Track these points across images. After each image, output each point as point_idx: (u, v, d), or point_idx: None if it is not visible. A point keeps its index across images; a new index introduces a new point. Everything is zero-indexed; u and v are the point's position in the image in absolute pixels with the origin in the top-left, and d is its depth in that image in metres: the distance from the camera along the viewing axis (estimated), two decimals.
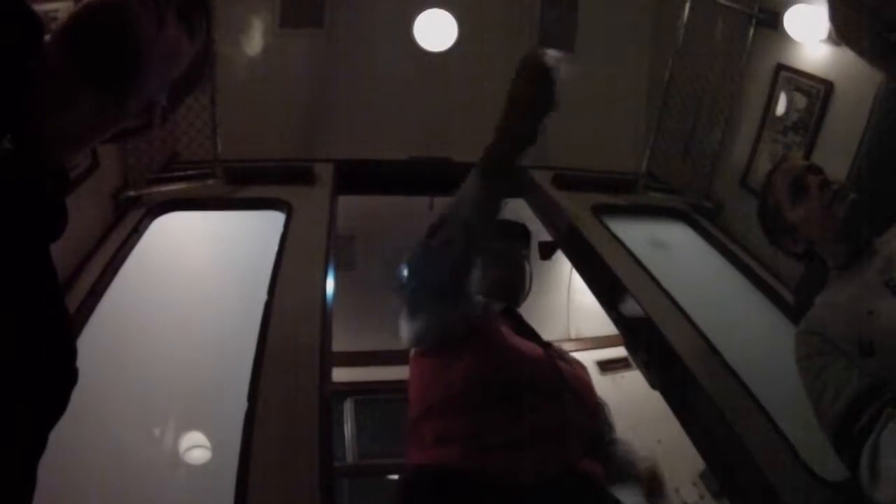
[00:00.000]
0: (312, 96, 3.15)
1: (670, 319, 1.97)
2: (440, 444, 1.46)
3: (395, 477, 3.29)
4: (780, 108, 2.46)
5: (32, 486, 0.65)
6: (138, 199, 2.27)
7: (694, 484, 2.71)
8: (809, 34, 2.28)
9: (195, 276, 2.04)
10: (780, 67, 2.47)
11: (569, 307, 3.88)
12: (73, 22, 0.73)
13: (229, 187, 2.46)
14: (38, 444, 0.67)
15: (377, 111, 3.14)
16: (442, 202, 3.19)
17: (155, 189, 2.32)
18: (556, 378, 1.58)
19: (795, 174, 1.50)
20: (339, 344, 1.85)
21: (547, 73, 1.42)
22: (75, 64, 0.72)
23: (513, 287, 1.86)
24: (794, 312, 1.95)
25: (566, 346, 2.89)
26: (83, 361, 0.74)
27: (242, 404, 1.47)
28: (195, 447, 1.48)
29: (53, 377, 0.70)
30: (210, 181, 2.43)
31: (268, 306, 1.80)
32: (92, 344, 1.57)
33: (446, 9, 2.96)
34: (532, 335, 1.72)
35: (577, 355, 1.99)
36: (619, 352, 3.31)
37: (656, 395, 1.92)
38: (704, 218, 2.75)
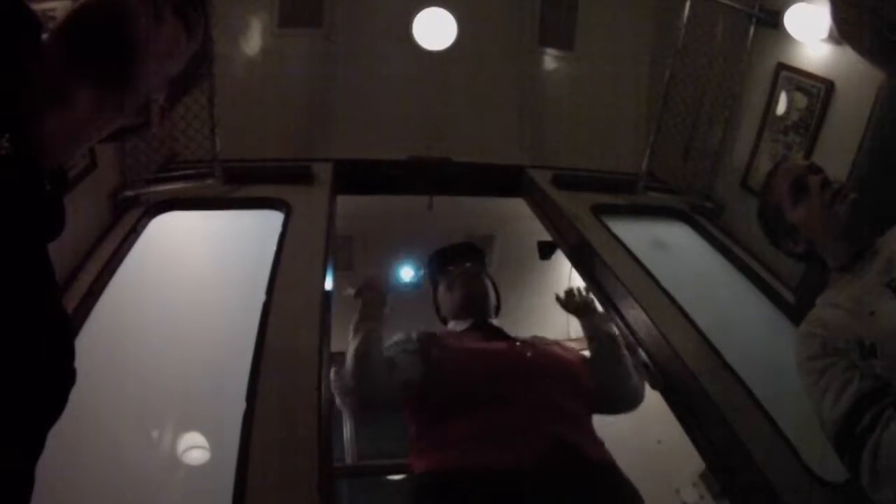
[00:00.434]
0: (311, 96, 3.15)
1: (670, 319, 1.96)
2: (438, 450, 1.61)
3: (395, 478, 3.29)
4: (781, 107, 2.46)
5: (31, 487, 0.65)
6: (136, 199, 2.26)
7: (694, 485, 2.71)
8: (810, 33, 2.28)
9: (193, 276, 2.03)
10: (781, 67, 2.47)
11: None
12: (71, 20, 0.73)
13: (228, 187, 2.45)
14: (37, 445, 0.66)
15: (376, 111, 3.14)
16: (441, 202, 3.21)
17: (153, 189, 2.31)
18: (524, 368, 1.75)
19: (796, 174, 1.49)
20: (339, 344, 1.85)
21: None
22: (73, 62, 0.72)
23: (477, 302, 2.06)
24: (794, 313, 1.95)
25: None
26: (81, 361, 0.73)
27: (241, 405, 1.47)
28: (193, 448, 1.47)
29: (52, 377, 0.69)
30: (208, 181, 2.43)
31: (266, 306, 1.80)
32: (90, 344, 1.57)
33: (446, 8, 2.96)
34: (503, 337, 1.94)
35: None
36: None
37: (656, 395, 1.91)
38: (704, 218, 2.75)
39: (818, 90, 2.26)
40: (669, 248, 2.52)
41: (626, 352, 1.95)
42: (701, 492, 2.69)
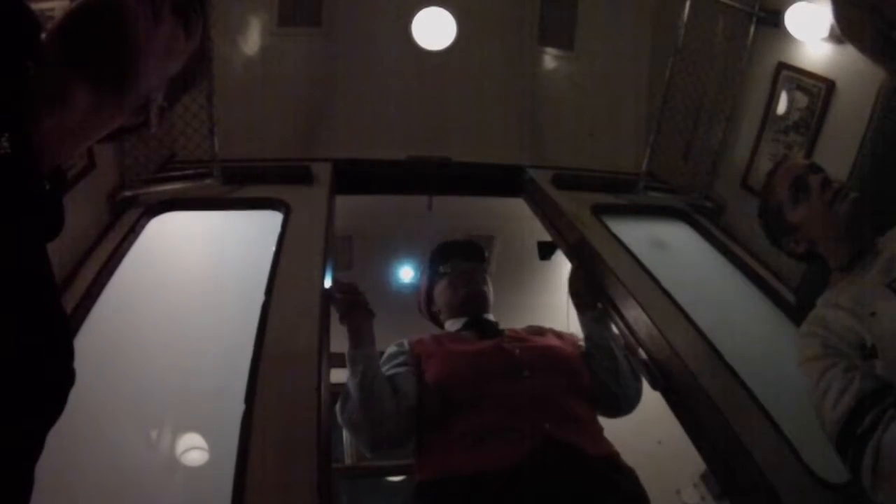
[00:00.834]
0: (310, 95, 3.15)
1: (670, 319, 1.96)
2: (431, 458, 1.64)
3: (394, 478, 3.29)
4: (782, 107, 2.45)
5: (30, 488, 0.64)
6: (135, 199, 2.25)
7: (695, 485, 2.71)
8: (811, 32, 2.27)
9: (192, 276, 2.03)
10: (781, 66, 2.46)
11: (568, 307, 3.85)
12: (69, 19, 0.72)
13: (227, 187, 2.45)
14: (36, 446, 0.66)
15: (375, 110, 3.14)
16: (441, 202, 3.21)
17: (152, 189, 2.30)
18: (511, 366, 1.75)
19: (796, 174, 1.49)
20: (338, 345, 1.85)
21: None
22: (71, 61, 0.72)
23: (477, 301, 2.07)
24: (795, 313, 1.95)
25: None
26: (80, 362, 0.73)
27: (240, 405, 1.46)
28: (192, 449, 1.47)
29: (50, 378, 0.69)
30: (207, 181, 2.42)
31: (266, 307, 1.79)
32: (89, 344, 1.56)
33: (445, 7, 2.95)
34: (495, 334, 1.94)
35: None
36: None
37: (656, 395, 1.91)
38: (705, 218, 2.74)
39: (819, 89, 2.25)
40: (669, 248, 2.52)
41: (621, 354, 1.93)
42: (702, 492, 2.69)
